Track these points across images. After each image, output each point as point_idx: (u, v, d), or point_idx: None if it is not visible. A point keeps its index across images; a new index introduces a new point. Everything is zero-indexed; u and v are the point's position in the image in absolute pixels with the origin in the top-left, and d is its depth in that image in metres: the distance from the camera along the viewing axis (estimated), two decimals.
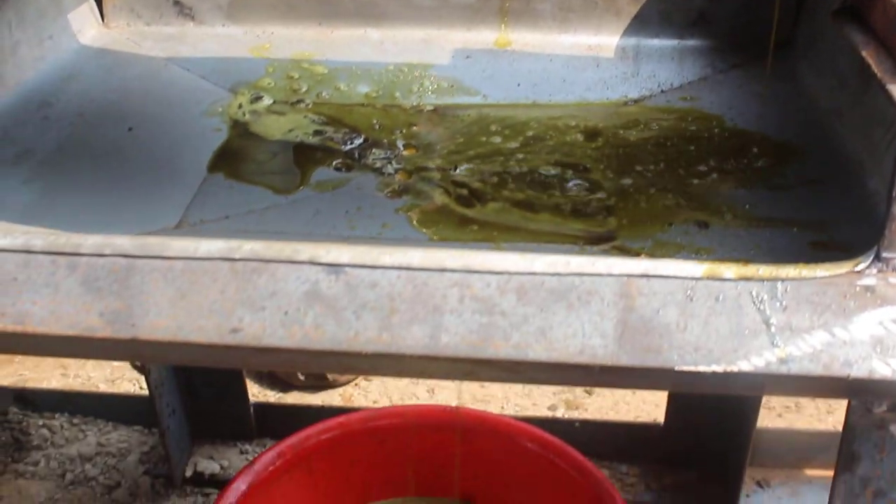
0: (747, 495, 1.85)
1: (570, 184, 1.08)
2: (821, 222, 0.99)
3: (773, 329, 0.71)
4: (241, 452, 1.98)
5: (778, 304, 0.71)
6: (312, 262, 0.74)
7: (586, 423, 1.91)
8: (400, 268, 0.73)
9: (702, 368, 0.70)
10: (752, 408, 1.68)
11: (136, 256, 0.75)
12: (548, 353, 0.71)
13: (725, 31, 1.33)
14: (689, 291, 0.71)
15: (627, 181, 1.08)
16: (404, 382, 2.17)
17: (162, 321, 0.73)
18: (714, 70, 1.32)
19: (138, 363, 2.26)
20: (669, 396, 1.82)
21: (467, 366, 0.72)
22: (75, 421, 2.06)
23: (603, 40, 1.35)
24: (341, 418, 1.73)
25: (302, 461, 1.67)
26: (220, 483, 1.91)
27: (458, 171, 1.11)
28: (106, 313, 0.74)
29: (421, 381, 2.16)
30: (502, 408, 2.09)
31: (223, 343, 0.73)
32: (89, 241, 0.75)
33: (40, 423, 2.05)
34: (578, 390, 2.16)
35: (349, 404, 2.13)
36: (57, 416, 2.07)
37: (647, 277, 0.72)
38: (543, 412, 2.08)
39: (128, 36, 1.40)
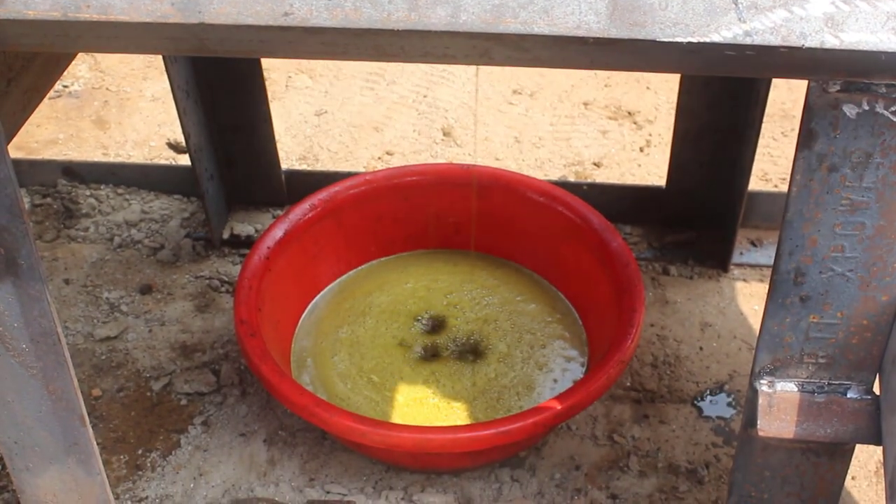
0: (741, 253, 2.01)
1: None
2: None
3: (741, 7, 0.84)
4: (274, 217, 2.13)
5: None
6: None
7: (593, 186, 2.06)
8: None
9: (679, 39, 0.83)
10: (745, 171, 1.82)
11: None
12: (549, 27, 0.84)
13: None
14: None
15: None
16: (424, 157, 2.31)
17: (224, 7, 0.87)
18: None
19: (175, 143, 2.41)
20: (671, 160, 1.95)
21: (482, 42, 0.86)
22: (120, 191, 2.21)
23: None
24: (368, 175, 1.88)
25: (332, 212, 1.83)
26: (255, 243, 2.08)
27: None
28: (176, 2, 0.87)
29: (439, 155, 2.30)
30: None
31: (277, 24, 0.86)
32: None
33: (87, 193, 2.21)
34: (588, 163, 2.30)
35: None
36: (102, 186, 2.22)
37: None
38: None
39: None
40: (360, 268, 1.90)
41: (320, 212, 1.81)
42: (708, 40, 0.83)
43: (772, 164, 2.30)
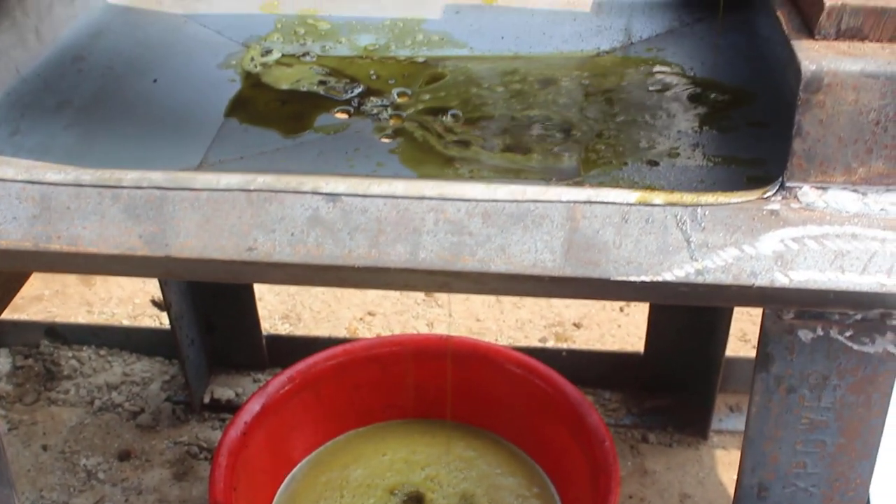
0: (720, 419, 2.01)
1: (543, 128, 1.23)
2: (760, 160, 1.13)
3: (692, 246, 0.86)
4: (255, 381, 2.14)
5: (698, 225, 0.86)
6: (314, 192, 0.89)
7: (572, 353, 2.07)
8: (386, 196, 0.88)
9: (632, 278, 0.85)
10: (721, 338, 1.84)
11: (169, 188, 0.90)
12: (506, 266, 0.86)
13: None
14: (624, 215, 0.86)
15: (592, 125, 1.22)
16: (405, 318, 2.33)
17: (190, 242, 0.89)
18: (681, 23, 1.46)
19: (159, 300, 2.43)
20: (648, 327, 1.97)
21: (441, 278, 0.88)
22: (102, 353, 2.22)
23: None
24: (346, 346, 1.89)
25: (310, 385, 1.83)
26: (236, 408, 2.07)
27: (445, 116, 1.25)
28: (144, 236, 0.90)
29: (420, 316, 2.32)
30: (496, 339, 2.25)
31: (241, 259, 0.88)
32: (129, 176, 0.91)
33: (69, 354, 2.22)
34: (568, 324, 2.31)
35: (354, 336, 2.29)
36: (85, 348, 2.23)
37: (590, 203, 0.87)
38: (535, 344, 2.24)
39: None
40: (337, 438, 1.89)
41: (298, 384, 1.81)
42: (661, 279, 0.86)
43: (751, 324, 2.31)
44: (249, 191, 0.90)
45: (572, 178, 1.12)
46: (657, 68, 1.36)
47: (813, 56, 0.86)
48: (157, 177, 0.90)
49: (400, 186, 0.88)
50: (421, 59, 1.39)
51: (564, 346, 2.19)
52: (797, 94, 0.85)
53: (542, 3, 1.50)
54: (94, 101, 1.28)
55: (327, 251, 0.88)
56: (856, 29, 0.87)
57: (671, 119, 1.24)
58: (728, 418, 2.02)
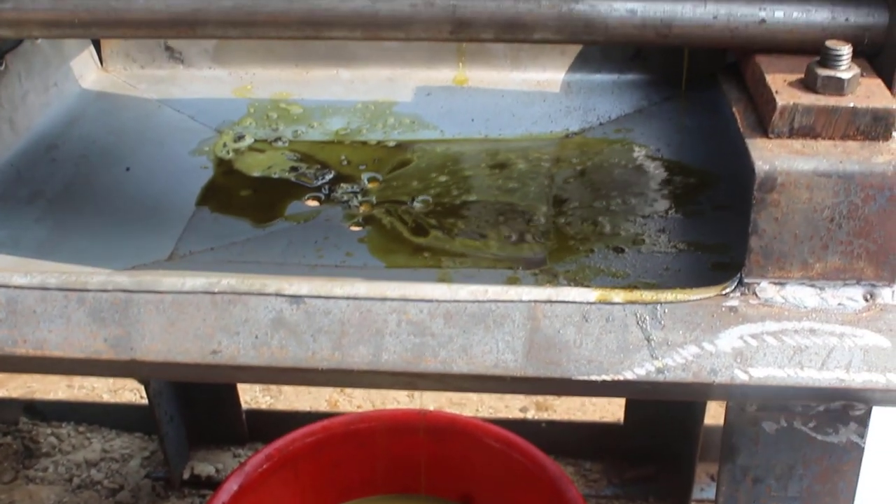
0: (702, 489, 2.01)
1: (512, 213, 1.24)
2: (724, 245, 1.15)
3: (653, 344, 0.87)
4: (235, 456, 2.13)
5: (658, 323, 0.87)
6: (278, 294, 0.90)
7: (552, 424, 2.07)
8: (349, 298, 0.89)
9: (594, 378, 0.86)
10: (700, 409, 1.84)
11: (134, 291, 0.90)
12: (469, 366, 0.87)
13: (660, 65, 1.47)
14: (584, 314, 0.87)
15: (560, 210, 1.24)
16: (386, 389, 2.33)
17: (155, 345, 0.89)
18: (649, 102, 1.48)
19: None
20: (627, 399, 1.97)
21: (405, 378, 0.88)
22: (81, 429, 2.21)
23: (550, 76, 1.50)
24: (324, 422, 1.88)
25: (288, 462, 1.82)
26: (216, 484, 2.06)
27: (414, 203, 1.26)
28: (109, 339, 0.90)
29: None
30: (477, 410, 2.25)
31: (205, 363, 0.89)
32: (94, 280, 0.91)
33: (48, 431, 2.20)
34: None
35: (335, 409, 2.29)
36: (64, 424, 2.22)
37: (551, 303, 0.88)
38: (515, 413, 2.24)
39: (124, 79, 1.55)
40: None
41: (277, 462, 1.81)
42: (621, 378, 0.86)
43: None
44: (214, 293, 0.90)
45: (539, 266, 1.14)
46: (625, 150, 1.37)
47: (766, 156, 0.87)
48: (122, 280, 0.91)
49: (362, 288, 0.89)
50: (392, 144, 1.40)
51: (545, 416, 2.19)
52: (752, 194, 0.87)
53: (512, 83, 1.52)
54: (67, 191, 1.29)
55: (291, 353, 0.88)
56: (808, 127, 0.88)
57: (638, 203, 1.25)
58: (709, 487, 2.02)
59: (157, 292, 0.90)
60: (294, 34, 0.98)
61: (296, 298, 0.89)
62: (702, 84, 1.44)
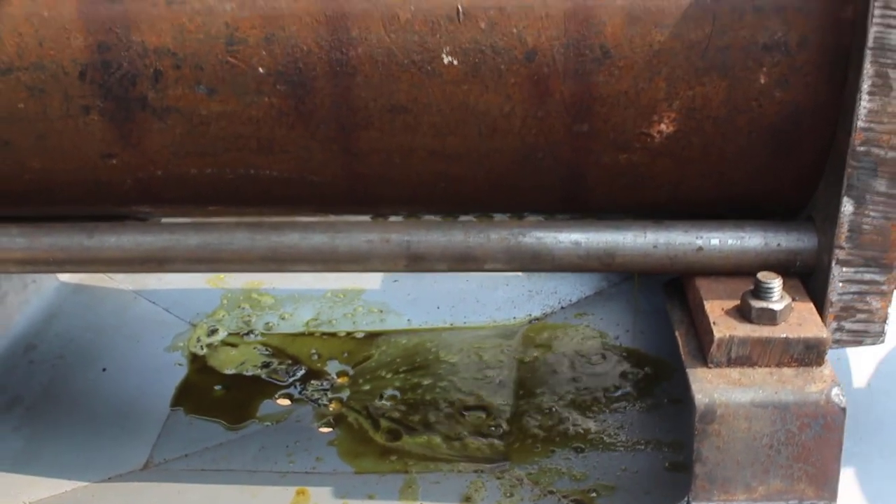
0: None
1: (476, 410, 1.28)
2: (679, 443, 1.19)
3: None
4: None
5: None
6: None
7: None
8: None
9: None
10: None
11: None
12: None
13: None
14: None
15: (520, 408, 1.28)
16: None
17: None
18: (608, 283, 1.54)
19: None
20: None
21: None
22: None
23: None
24: None
25: None
26: None
27: (382, 399, 1.31)
28: None
29: None
30: None
31: None
32: None
33: None
34: None
35: None
36: None
37: None
38: None
39: None
40: None
41: None
42: None
43: None
44: None
45: (502, 468, 1.18)
46: (585, 339, 1.42)
47: (706, 388, 0.92)
48: None
49: None
50: (360, 335, 1.45)
51: None
52: (693, 426, 0.92)
53: None
54: (44, 396, 1.33)
55: None
56: (745, 357, 0.94)
57: (598, 396, 1.30)
58: None
59: None
60: (258, 269, 1.04)
61: None
62: None
